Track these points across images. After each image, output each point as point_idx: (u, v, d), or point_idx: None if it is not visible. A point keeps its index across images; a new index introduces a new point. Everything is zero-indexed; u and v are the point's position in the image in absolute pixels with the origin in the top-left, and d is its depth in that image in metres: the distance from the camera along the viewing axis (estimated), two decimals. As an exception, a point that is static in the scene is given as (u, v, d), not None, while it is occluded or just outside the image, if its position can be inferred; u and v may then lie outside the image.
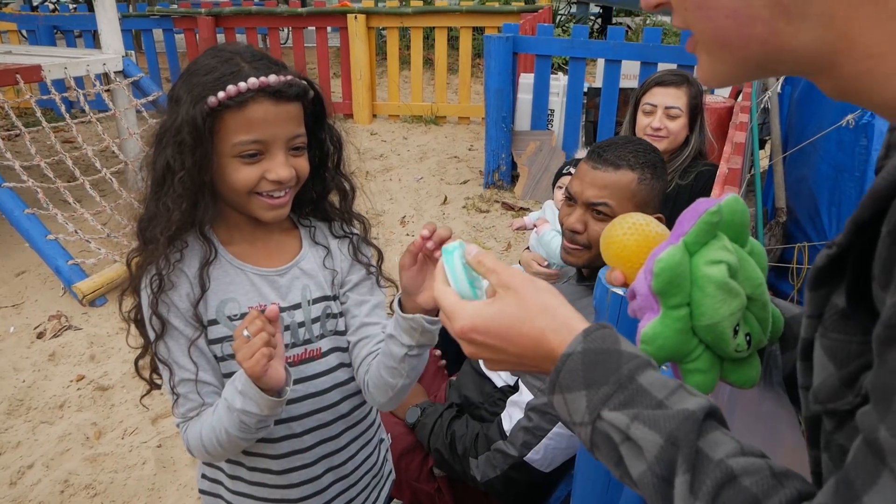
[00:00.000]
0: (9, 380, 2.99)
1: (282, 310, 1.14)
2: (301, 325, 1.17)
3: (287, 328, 1.16)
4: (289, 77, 1.05)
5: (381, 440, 1.36)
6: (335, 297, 1.21)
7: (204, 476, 1.30)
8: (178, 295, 1.10)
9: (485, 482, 1.48)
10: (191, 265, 1.11)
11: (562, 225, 1.56)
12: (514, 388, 1.54)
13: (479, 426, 1.54)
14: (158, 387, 1.23)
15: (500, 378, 1.59)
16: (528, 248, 2.61)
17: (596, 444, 0.63)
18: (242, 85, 1.01)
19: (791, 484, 0.53)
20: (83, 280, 3.57)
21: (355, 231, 1.25)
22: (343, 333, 1.22)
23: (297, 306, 1.16)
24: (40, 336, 3.36)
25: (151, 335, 1.10)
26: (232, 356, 1.11)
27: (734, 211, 0.74)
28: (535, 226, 2.56)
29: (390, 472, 1.41)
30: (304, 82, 1.10)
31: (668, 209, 1.56)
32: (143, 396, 1.30)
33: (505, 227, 4.50)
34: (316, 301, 1.18)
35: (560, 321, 0.70)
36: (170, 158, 1.04)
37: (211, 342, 1.13)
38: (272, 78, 1.03)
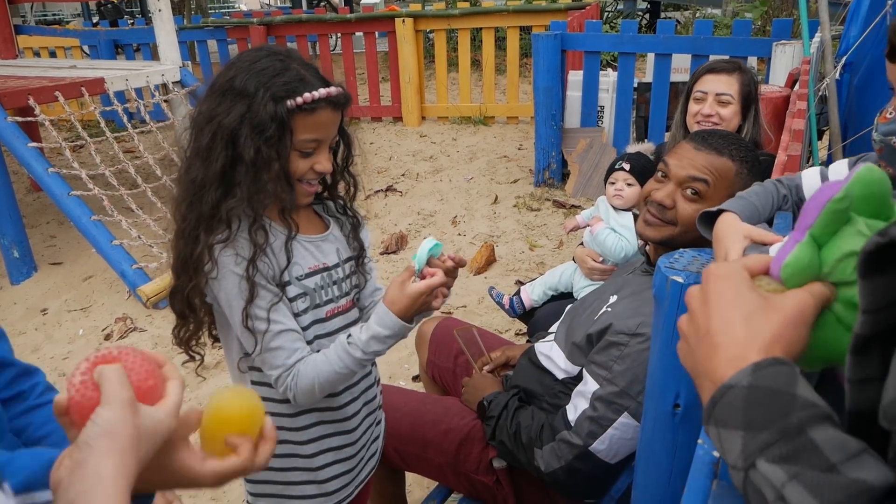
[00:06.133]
0: (80, 379, 3.11)
1: (329, 268, 1.37)
2: (343, 279, 1.39)
3: (334, 283, 1.37)
4: (341, 89, 1.26)
5: (377, 378, 1.55)
6: (350, 259, 1.43)
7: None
8: (260, 264, 1.26)
9: (548, 472, 1.48)
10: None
11: (645, 200, 1.55)
12: (575, 380, 1.53)
13: (545, 417, 1.54)
14: (201, 357, 1.36)
15: (561, 370, 1.59)
16: (581, 244, 2.60)
17: (746, 494, 0.55)
18: (316, 94, 1.20)
19: None
20: (147, 283, 3.70)
21: (353, 216, 1.46)
22: (358, 286, 1.45)
23: (337, 265, 1.39)
24: (108, 338, 3.50)
25: (240, 302, 1.23)
26: (304, 311, 1.32)
27: (869, 182, 0.62)
28: (588, 224, 2.55)
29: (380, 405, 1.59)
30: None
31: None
32: (198, 367, 1.39)
33: (557, 226, 4.48)
34: (346, 261, 1.41)
35: (754, 335, 0.59)
36: (263, 148, 1.19)
37: (289, 300, 1.31)
38: (333, 89, 1.22)
